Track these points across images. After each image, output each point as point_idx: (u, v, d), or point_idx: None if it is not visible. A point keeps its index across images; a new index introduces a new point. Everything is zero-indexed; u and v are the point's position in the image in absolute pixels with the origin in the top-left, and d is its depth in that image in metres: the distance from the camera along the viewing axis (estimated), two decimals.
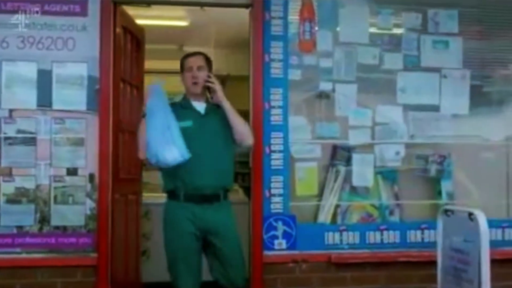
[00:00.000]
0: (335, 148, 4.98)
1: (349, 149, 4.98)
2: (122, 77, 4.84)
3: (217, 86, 4.09)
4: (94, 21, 4.62)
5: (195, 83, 4.09)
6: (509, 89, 5.38)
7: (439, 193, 5.16)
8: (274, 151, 4.75)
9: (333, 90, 4.93)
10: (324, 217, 4.93)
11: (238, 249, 4.10)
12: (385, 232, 4.93)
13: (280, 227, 4.72)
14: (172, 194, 4.07)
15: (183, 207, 3.97)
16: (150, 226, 5.74)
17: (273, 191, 4.71)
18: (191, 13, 6.77)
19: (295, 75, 4.85)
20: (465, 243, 4.22)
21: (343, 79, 4.95)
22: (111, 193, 4.62)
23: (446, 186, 5.16)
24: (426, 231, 4.98)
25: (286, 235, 4.73)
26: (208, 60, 4.22)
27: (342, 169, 4.96)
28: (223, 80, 8.37)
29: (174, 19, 7.05)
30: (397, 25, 5.16)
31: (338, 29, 5.00)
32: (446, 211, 4.52)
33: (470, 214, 4.16)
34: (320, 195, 4.95)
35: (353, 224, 4.95)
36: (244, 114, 4.36)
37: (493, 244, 4.37)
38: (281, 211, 4.73)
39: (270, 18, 4.84)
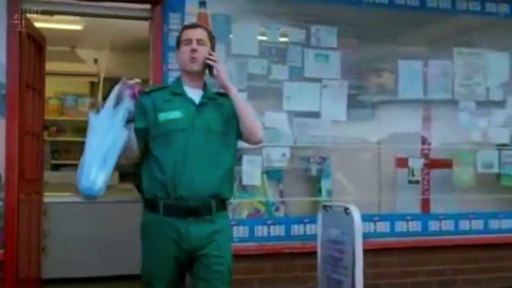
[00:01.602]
0: None
1: (239, 151, 5.16)
2: (26, 82, 4.94)
3: (219, 65, 3.25)
4: (1, 28, 4.68)
5: (193, 59, 3.22)
6: (382, 98, 5.71)
7: (319, 190, 5.44)
8: None
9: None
10: None
11: (228, 278, 3.24)
12: (271, 227, 5.18)
13: None
14: (150, 204, 3.19)
15: (163, 222, 3.11)
16: (48, 224, 5.86)
17: None
18: (85, 17, 6.59)
19: None
20: (341, 235, 4.43)
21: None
22: (17, 193, 4.72)
23: (325, 184, 5.44)
24: (308, 225, 5.24)
25: None
26: (210, 36, 3.38)
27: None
28: (115, 82, 8.52)
29: (68, 22, 6.95)
30: (284, 39, 5.38)
31: (230, 41, 5.17)
32: (325, 206, 4.76)
33: (346, 209, 4.38)
34: None
35: (242, 219, 5.18)
36: None
37: (366, 236, 4.69)
38: None
39: (168, 30, 4.98)
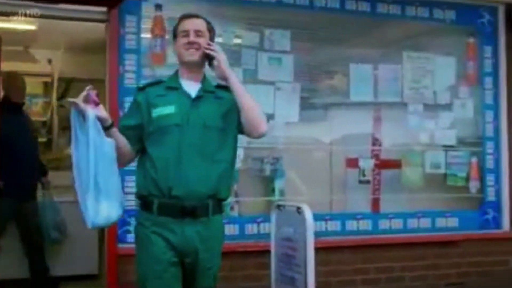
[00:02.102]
0: None
1: None
2: None
3: (219, 54, 3.01)
4: None
5: (191, 49, 3.02)
6: (334, 100, 5.85)
7: (273, 190, 5.53)
8: None
9: None
10: None
11: (214, 283, 3.16)
12: (226, 226, 5.18)
13: (133, 222, 4.89)
14: (144, 203, 3.02)
15: (157, 223, 2.94)
16: None
17: (127, 189, 4.68)
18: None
19: None
20: (294, 234, 4.47)
21: None
22: None
23: (278, 184, 5.53)
24: (261, 224, 5.31)
25: None
26: (209, 26, 3.15)
27: None
28: (68, 82, 8.48)
29: (21, 22, 6.69)
30: (238, 41, 5.45)
31: None
32: (278, 206, 4.79)
33: (298, 208, 4.42)
34: None
35: None
36: None
37: (318, 234, 4.73)
38: (134, 207, 4.86)
39: (124, 33, 5.01)
